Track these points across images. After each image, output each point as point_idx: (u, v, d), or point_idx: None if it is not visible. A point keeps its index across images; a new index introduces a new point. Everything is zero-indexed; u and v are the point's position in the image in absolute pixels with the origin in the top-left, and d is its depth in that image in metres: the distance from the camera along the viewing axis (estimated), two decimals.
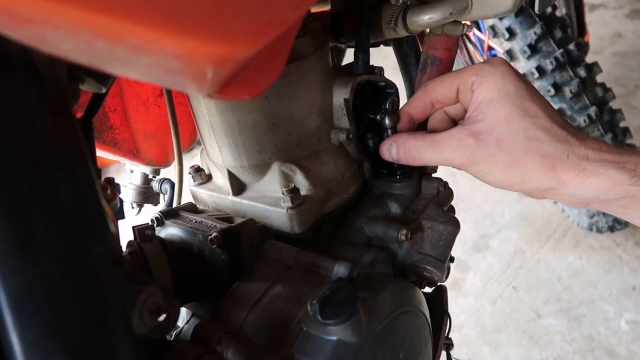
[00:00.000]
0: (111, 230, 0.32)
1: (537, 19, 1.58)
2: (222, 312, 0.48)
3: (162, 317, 0.34)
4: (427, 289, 0.61)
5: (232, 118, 0.54)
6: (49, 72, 0.30)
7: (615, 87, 1.91)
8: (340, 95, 0.57)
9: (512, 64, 1.64)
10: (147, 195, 0.93)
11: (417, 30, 0.58)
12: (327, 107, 0.58)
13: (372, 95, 0.61)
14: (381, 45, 0.71)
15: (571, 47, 1.60)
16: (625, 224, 1.82)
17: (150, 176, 0.93)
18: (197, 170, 0.66)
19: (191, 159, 2.36)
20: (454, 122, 0.57)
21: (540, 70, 1.61)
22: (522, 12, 1.59)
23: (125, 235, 0.51)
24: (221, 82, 0.28)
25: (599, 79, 1.67)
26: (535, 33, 1.58)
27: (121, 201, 0.60)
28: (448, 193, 0.64)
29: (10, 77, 0.28)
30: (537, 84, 1.64)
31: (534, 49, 1.60)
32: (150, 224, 0.58)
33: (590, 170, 0.47)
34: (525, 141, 0.48)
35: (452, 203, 0.66)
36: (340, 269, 0.48)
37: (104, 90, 0.43)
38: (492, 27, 1.66)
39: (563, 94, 1.62)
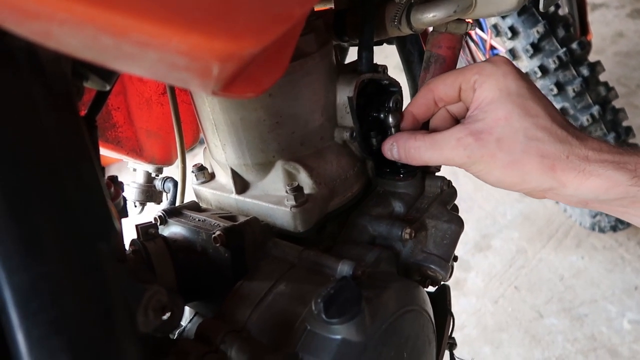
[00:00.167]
0: (116, 228, 0.32)
1: (539, 17, 1.58)
2: (226, 310, 0.48)
3: (166, 316, 0.33)
4: (430, 288, 0.61)
5: (236, 116, 0.54)
6: (54, 68, 0.30)
7: (617, 86, 1.90)
8: (343, 94, 0.57)
9: (514, 62, 1.64)
10: (150, 193, 0.93)
11: (421, 29, 0.58)
12: (330, 106, 0.58)
13: (376, 93, 0.61)
14: (385, 44, 0.71)
15: (574, 46, 1.59)
16: (627, 224, 1.81)
17: (153, 174, 0.93)
18: (200, 168, 0.66)
19: (194, 158, 2.36)
20: (455, 121, 0.56)
21: (543, 69, 1.61)
22: (525, 10, 1.58)
23: (129, 234, 0.51)
24: (226, 79, 0.27)
25: (602, 78, 1.67)
26: (538, 32, 1.58)
27: (124, 199, 0.60)
28: (452, 192, 0.64)
29: (15, 74, 0.28)
30: (539, 83, 1.64)
31: (536, 48, 1.60)
32: (153, 222, 0.57)
33: (590, 170, 0.47)
34: (525, 141, 0.48)
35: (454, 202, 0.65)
36: (344, 268, 0.48)
37: (107, 88, 0.42)
38: (495, 26, 1.66)
39: (566, 93, 1.62)
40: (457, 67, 0.60)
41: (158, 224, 0.59)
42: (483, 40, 1.92)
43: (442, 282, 0.61)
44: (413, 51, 0.74)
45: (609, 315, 1.64)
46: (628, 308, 1.64)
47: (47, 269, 0.27)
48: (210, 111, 0.55)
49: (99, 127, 0.77)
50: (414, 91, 0.74)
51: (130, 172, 0.96)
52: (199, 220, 0.57)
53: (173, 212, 0.59)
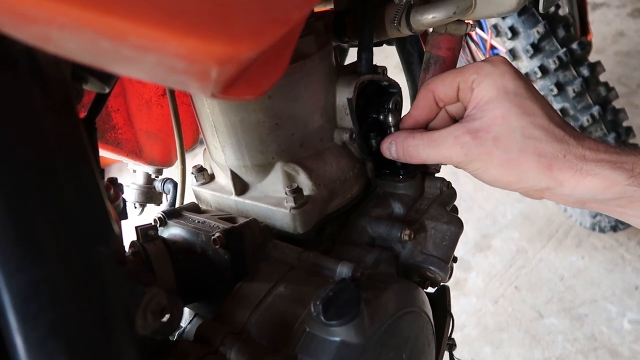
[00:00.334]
0: (115, 230, 0.32)
1: (540, 18, 1.58)
2: (225, 312, 0.48)
3: (165, 318, 0.33)
4: (430, 289, 0.61)
5: (235, 118, 0.54)
6: (53, 72, 0.30)
7: (618, 86, 1.91)
8: (343, 95, 0.57)
9: (514, 63, 1.65)
10: (149, 195, 0.93)
11: (421, 30, 0.58)
12: (330, 107, 0.58)
13: (376, 94, 0.61)
14: (384, 45, 0.71)
15: (574, 46, 1.59)
16: (628, 224, 1.81)
17: (153, 176, 0.93)
18: (200, 170, 0.66)
19: (194, 159, 2.36)
20: (454, 121, 0.56)
21: (543, 69, 1.61)
22: (525, 11, 1.58)
23: (128, 236, 0.51)
24: (225, 82, 0.27)
25: (602, 78, 1.67)
26: (538, 32, 1.58)
27: (124, 201, 0.60)
28: (451, 193, 0.64)
29: (14, 77, 0.28)
30: (540, 83, 1.64)
31: (536, 48, 1.60)
32: (153, 224, 0.58)
33: (587, 170, 0.47)
34: (522, 139, 0.48)
35: (454, 203, 0.65)
36: (343, 270, 0.48)
37: (107, 90, 0.43)
38: (495, 26, 1.66)
39: (566, 93, 1.62)
40: (458, 67, 0.60)
41: (158, 225, 0.59)
42: (483, 40, 1.92)
43: (441, 283, 0.61)
44: (413, 52, 0.74)
45: (609, 315, 1.64)
46: (628, 308, 1.64)
47: (45, 272, 0.27)
48: (210, 113, 0.55)
49: (98, 129, 0.78)
50: (414, 92, 0.74)
51: (130, 174, 0.96)
52: (198, 221, 0.57)
53: (173, 214, 0.59)
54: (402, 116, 0.59)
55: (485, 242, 2.02)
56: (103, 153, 0.82)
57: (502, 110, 0.49)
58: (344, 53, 0.84)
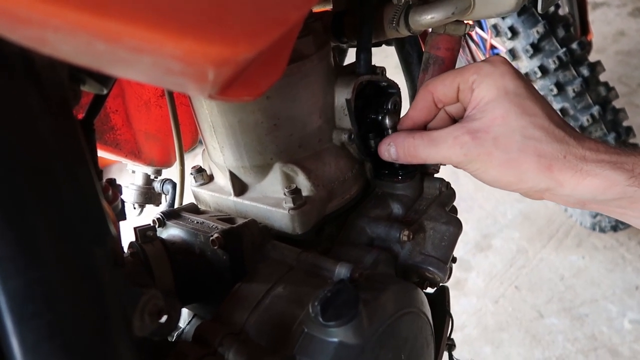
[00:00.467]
0: (112, 231, 0.32)
1: (539, 18, 1.58)
2: (224, 313, 0.48)
3: (163, 319, 0.33)
4: (429, 290, 0.61)
5: (234, 118, 0.54)
6: (49, 73, 0.30)
7: (618, 85, 1.91)
8: (342, 96, 0.57)
9: (514, 63, 1.64)
10: (148, 196, 0.93)
11: (420, 30, 0.58)
12: (328, 108, 0.58)
13: (374, 95, 0.61)
14: (383, 45, 0.71)
15: (574, 46, 1.59)
16: (628, 224, 1.81)
17: (152, 177, 0.93)
18: (199, 170, 0.66)
19: (193, 160, 2.36)
20: (453, 121, 0.56)
21: (543, 69, 1.60)
22: (525, 11, 1.58)
23: (127, 236, 0.51)
24: (223, 83, 0.27)
25: (602, 77, 1.67)
26: (537, 32, 1.58)
27: (123, 202, 0.60)
28: (450, 193, 0.64)
29: (10, 79, 0.28)
30: (539, 83, 1.64)
31: (536, 48, 1.60)
32: (151, 224, 0.58)
33: (587, 170, 0.47)
34: (522, 140, 0.48)
35: (455, 203, 0.65)
36: (342, 270, 0.48)
37: (105, 92, 0.42)
38: (495, 26, 1.66)
39: (566, 93, 1.61)
40: (457, 67, 0.60)
41: (156, 226, 0.59)
42: (483, 40, 1.92)
43: (440, 284, 0.61)
44: (412, 52, 0.74)
45: (609, 315, 1.64)
46: (629, 308, 1.64)
47: (41, 273, 0.27)
48: (208, 113, 0.55)
49: (97, 130, 0.78)
50: (413, 92, 0.74)
51: (129, 174, 0.96)
52: (197, 222, 0.57)
53: (171, 215, 0.59)
54: (400, 117, 0.59)
55: (486, 242, 2.02)
56: (102, 154, 0.82)
57: (502, 111, 0.49)
58: (342, 54, 0.84)
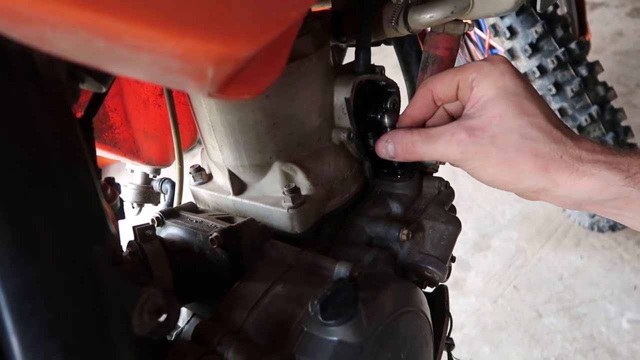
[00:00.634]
0: (111, 230, 0.32)
1: (538, 17, 1.58)
2: (223, 312, 0.48)
3: (162, 318, 0.33)
4: (428, 289, 0.61)
5: (233, 117, 0.54)
6: (48, 71, 0.30)
7: (616, 85, 1.91)
8: (341, 95, 0.57)
9: (513, 62, 1.64)
10: (147, 195, 0.93)
11: (418, 29, 0.58)
12: (328, 107, 0.58)
13: (373, 94, 0.61)
14: (382, 44, 0.71)
15: (572, 45, 1.59)
16: None
17: (151, 176, 0.93)
18: (198, 169, 0.66)
19: (192, 159, 2.36)
20: (451, 119, 0.56)
21: (542, 69, 1.61)
22: (524, 10, 1.58)
23: (126, 235, 0.51)
24: (222, 82, 0.27)
25: (601, 77, 1.67)
26: (536, 32, 1.58)
27: (121, 201, 0.60)
28: (449, 192, 0.64)
29: (9, 77, 0.28)
30: (538, 83, 1.64)
31: (535, 48, 1.60)
32: (150, 223, 0.57)
33: (583, 170, 0.47)
34: (519, 139, 0.48)
35: (454, 202, 0.65)
36: (341, 269, 0.48)
37: (104, 90, 0.42)
38: (494, 26, 1.66)
39: (564, 93, 1.62)
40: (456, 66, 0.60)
41: (155, 225, 0.58)
42: (482, 40, 1.92)
43: (439, 283, 0.61)
44: (411, 52, 0.74)
45: (608, 314, 1.64)
46: (627, 307, 1.64)
47: (41, 272, 0.26)
48: (208, 112, 0.55)
49: (96, 129, 0.78)
50: (412, 92, 0.74)
51: (128, 173, 0.96)
52: (196, 221, 0.57)
53: (170, 214, 0.59)
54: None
55: (484, 241, 2.02)
56: (100, 153, 0.82)
57: (500, 110, 0.49)
58: (341, 53, 0.84)
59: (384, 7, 0.59)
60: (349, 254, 0.55)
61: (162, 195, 0.92)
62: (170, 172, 0.88)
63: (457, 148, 0.50)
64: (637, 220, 0.49)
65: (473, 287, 1.86)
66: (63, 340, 0.26)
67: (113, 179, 0.57)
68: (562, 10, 1.89)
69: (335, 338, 0.42)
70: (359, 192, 0.62)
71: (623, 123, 1.69)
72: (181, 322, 0.57)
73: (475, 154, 0.50)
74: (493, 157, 0.49)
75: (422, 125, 0.58)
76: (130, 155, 0.85)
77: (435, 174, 0.66)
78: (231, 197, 0.60)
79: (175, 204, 0.82)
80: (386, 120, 0.58)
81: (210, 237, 0.51)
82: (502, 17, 1.61)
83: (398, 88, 0.62)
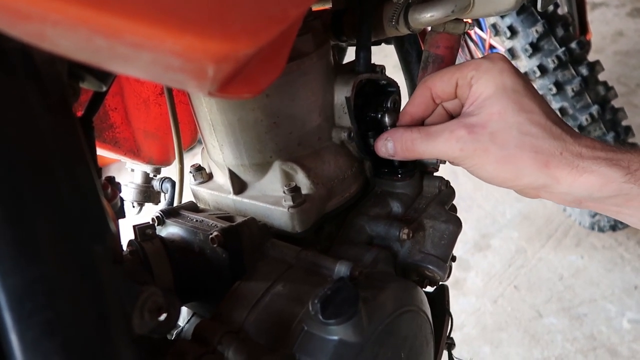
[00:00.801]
0: (111, 229, 0.32)
1: (538, 17, 1.58)
2: (223, 311, 0.48)
3: (162, 317, 0.33)
4: (429, 288, 0.61)
5: (233, 116, 0.54)
6: (48, 69, 0.30)
7: (617, 85, 1.91)
8: (341, 94, 0.57)
9: (513, 62, 1.64)
10: (148, 194, 0.93)
11: (419, 28, 0.58)
12: (328, 106, 0.58)
13: (374, 93, 0.61)
14: (382, 44, 0.71)
15: (573, 45, 1.59)
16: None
17: (151, 175, 0.93)
18: (198, 169, 0.66)
19: (192, 158, 2.36)
20: (450, 118, 0.56)
21: (542, 68, 1.60)
22: (524, 10, 1.58)
23: (126, 234, 0.51)
24: (222, 80, 0.27)
25: (601, 77, 1.67)
26: (537, 31, 1.58)
27: (122, 200, 0.60)
28: (450, 192, 0.64)
29: (9, 75, 0.28)
30: (538, 83, 1.64)
31: (535, 48, 1.60)
32: (151, 223, 0.57)
33: (583, 167, 0.47)
34: (519, 136, 0.48)
35: (454, 202, 0.65)
36: (341, 269, 0.47)
37: (104, 89, 0.42)
38: (494, 26, 1.66)
39: (565, 92, 1.61)
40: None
41: (156, 224, 0.58)
42: (482, 40, 1.92)
43: (440, 282, 0.61)
44: (411, 51, 0.74)
45: (608, 314, 1.64)
46: (627, 307, 1.64)
47: (41, 271, 0.26)
48: (208, 112, 0.55)
49: (96, 128, 0.78)
50: (412, 91, 0.74)
51: (128, 173, 0.96)
52: (196, 220, 0.57)
53: (171, 213, 0.59)
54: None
55: (485, 241, 2.02)
56: (101, 152, 0.82)
57: (499, 107, 0.49)
58: (342, 52, 0.84)
59: (384, 6, 0.59)
60: (350, 253, 0.55)
61: (162, 194, 0.92)
62: (170, 171, 0.88)
63: (457, 145, 0.50)
64: (637, 218, 0.49)
65: (473, 287, 1.86)
66: (63, 339, 0.26)
67: (113, 178, 0.57)
68: (562, 10, 1.89)
69: (335, 337, 0.42)
70: (359, 191, 0.62)
71: (624, 123, 1.69)
72: (181, 322, 0.57)
73: (475, 152, 0.49)
74: (492, 154, 0.49)
75: (420, 123, 0.58)
76: (131, 154, 0.85)
77: (435, 174, 0.66)
78: (231, 196, 0.60)
79: (175, 203, 0.82)
80: (387, 119, 0.58)
81: (211, 236, 0.51)
82: (502, 17, 1.61)
83: (398, 87, 0.62)
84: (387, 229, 0.56)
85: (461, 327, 1.72)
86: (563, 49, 1.58)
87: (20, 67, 0.28)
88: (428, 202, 0.62)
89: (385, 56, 1.03)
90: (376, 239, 0.58)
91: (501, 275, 1.87)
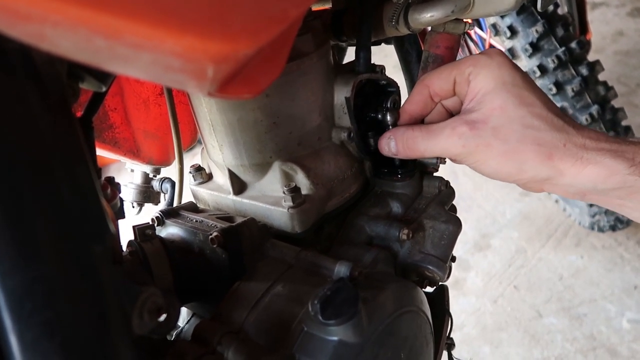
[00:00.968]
0: (111, 229, 0.32)
1: (538, 17, 1.58)
2: (223, 311, 0.48)
3: (162, 317, 0.33)
4: (429, 289, 0.61)
5: (233, 117, 0.54)
6: (48, 70, 0.30)
7: (617, 85, 1.91)
8: (341, 94, 0.57)
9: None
10: (147, 194, 0.93)
11: (419, 28, 0.58)
12: (328, 106, 0.58)
13: (374, 93, 0.61)
14: (382, 44, 0.71)
15: (573, 45, 1.59)
16: (627, 223, 1.81)
17: (151, 175, 0.93)
18: (198, 169, 0.66)
19: (192, 158, 2.36)
20: (450, 116, 0.56)
21: (542, 68, 1.60)
22: (524, 10, 1.58)
23: (126, 235, 0.51)
24: (222, 80, 0.27)
25: (601, 77, 1.67)
26: (537, 31, 1.58)
27: (121, 200, 0.60)
28: (449, 192, 0.64)
29: (9, 76, 0.28)
30: (538, 83, 1.64)
31: (535, 47, 1.60)
32: (150, 223, 0.57)
33: (587, 158, 0.46)
34: (521, 129, 0.48)
35: (454, 202, 0.65)
36: (341, 269, 0.47)
37: (104, 89, 0.42)
38: (494, 25, 1.66)
39: (565, 92, 1.61)
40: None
41: (155, 224, 0.58)
42: (482, 40, 1.92)
43: (440, 283, 0.61)
44: (411, 51, 0.74)
45: (608, 314, 1.64)
46: (627, 307, 1.64)
47: (40, 271, 0.26)
48: (208, 112, 0.55)
49: (96, 128, 0.78)
50: None
51: (128, 173, 0.96)
52: (196, 221, 0.57)
53: (170, 213, 0.59)
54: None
55: (485, 241, 2.02)
56: (100, 152, 0.82)
57: (500, 101, 0.49)
58: (342, 52, 0.84)
59: (384, 6, 0.59)
60: (349, 253, 0.55)
61: (162, 194, 0.92)
62: (170, 171, 0.88)
63: (459, 142, 0.50)
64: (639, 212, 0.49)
65: (473, 287, 1.86)
66: (62, 339, 0.26)
67: (113, 178, 0.57)
68: (562, 10, 1.89)
69: (335, 338, 0.42)
70: (359, 191, 0.62)
71: (624, 123, 1.69)
72: (181, 322, 0.57)
73: (477, 147, 0.49)
74: (495, 149, 0.48)
75: (420, 122, 0.58)
76: (130, 154, 0.85)
77: (435, 174, 0.66)
78: (231, 196, 0.60)
79: (175, 204, 0.82)
80: (388, 118, 0.58)
81: (211, 236, 0.51)
82: (502, 17, 1.61)
83: (398, 87, 0.62)
84: (387, 229, 0.56)
85: (461, 327, 1.72)
86: (563, 48, 1.58)
87: (20, 67, 0.28)
88: (428, 202, 0.62)
89: (385, 56, 1.03)
90: (376, 239, 0.58)
91: (501, 275, 1.87)
